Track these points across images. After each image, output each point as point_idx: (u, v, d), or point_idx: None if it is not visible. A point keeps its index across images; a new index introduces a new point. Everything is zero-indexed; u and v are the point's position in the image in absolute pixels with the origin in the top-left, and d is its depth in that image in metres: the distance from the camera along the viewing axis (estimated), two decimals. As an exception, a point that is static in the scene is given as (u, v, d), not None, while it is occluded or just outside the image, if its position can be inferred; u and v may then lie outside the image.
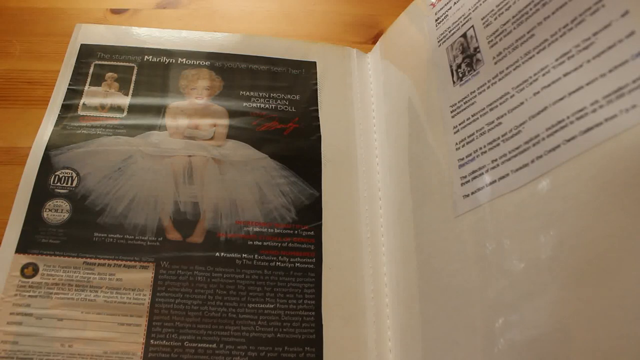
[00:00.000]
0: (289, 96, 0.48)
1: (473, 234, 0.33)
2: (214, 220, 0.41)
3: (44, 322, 0.36)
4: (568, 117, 0.30)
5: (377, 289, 0.40)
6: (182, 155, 0.43)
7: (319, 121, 0.47)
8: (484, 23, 0.37)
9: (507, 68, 0.35)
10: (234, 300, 0.38)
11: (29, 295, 0.37)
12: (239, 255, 0.40)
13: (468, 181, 0.35)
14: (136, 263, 0.39)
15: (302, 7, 0.57)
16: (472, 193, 0.34)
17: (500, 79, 0.35)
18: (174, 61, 0.49)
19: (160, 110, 0.46)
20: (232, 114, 0.46)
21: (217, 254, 0.40)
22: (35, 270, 0.38)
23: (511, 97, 0.34)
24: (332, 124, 0.47)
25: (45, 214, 0.40)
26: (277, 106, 0.47)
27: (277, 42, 0.52)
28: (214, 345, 0.37)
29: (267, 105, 0.47)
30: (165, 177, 0.42)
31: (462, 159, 0.36)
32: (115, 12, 0.55)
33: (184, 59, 0.49)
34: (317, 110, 0.47)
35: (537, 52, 0.33)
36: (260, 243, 0.40)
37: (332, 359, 0.37)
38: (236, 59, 0.50)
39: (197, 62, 0.49)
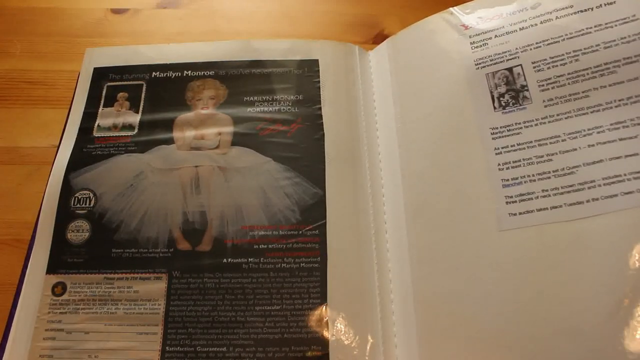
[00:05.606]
0: (292, 97, 0.48)
1: (518, 250, 0.37)
2: (221, 227, 0.42)
3: (74, 335, 0.39)
4: (625, 175, 0.35)
5: (382, 285, 0.41)
6: (190, 167, 0.45)
7: (322, 119, 0.47)
8: (534, 67, 0.42)
9: (557, 115, 0.39)
10: (241, 304, 0.40)
11: (60, 312, 0.40)
12: (245, 260, 0.41)
13: (515, 201, 0.38)
14: (150, 275, 0.41)
15: (302, 7, 0.57)
16: (520, 214, 0.38)
17: (550, 122, 0.39)
18: (180, 74, 0.50)
19: (168, 124, 0.48)
20: (236, 120, 0.47)
21: (225, 260, 0.41)
22: (64, 288, 0.41)
23: (562, 140, 0.38)
24: (335, 120, 0.47)
25: (68, 235, 0.43)
26: (281, 108, 0.48)
27: (279, 44, 0.52)
28: (224, 349, 0.38)
29: (270, 108, 0.48)
30: (174, 189, 0.44)
31: (507, 179, 0.39)
32: (116, 12, 0.56)
33: (189, 71, 0.50)
34: (320, 108, 0.47)
35: (591, 112, 0.38)
36: (265, 246, 0.41)
37: (338, 356, 0.38)
38: (239, 65, 0.50)
39: (202, 72, 0.50)
